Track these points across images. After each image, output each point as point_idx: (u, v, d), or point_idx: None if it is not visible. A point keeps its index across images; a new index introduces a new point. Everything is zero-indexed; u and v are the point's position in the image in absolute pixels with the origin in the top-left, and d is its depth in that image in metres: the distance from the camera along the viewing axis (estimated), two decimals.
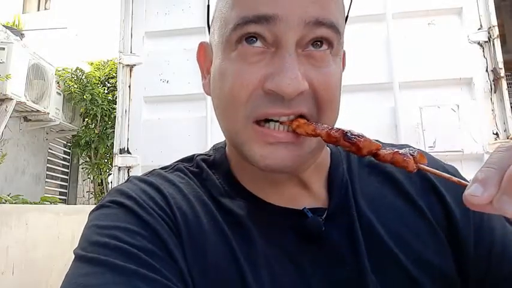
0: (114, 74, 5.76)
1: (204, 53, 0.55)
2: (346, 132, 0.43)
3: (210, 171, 0.53)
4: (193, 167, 0.55)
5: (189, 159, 0.57)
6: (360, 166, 0.55)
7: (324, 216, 0.48)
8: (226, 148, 0.56)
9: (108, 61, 5.99)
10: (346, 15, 0.51)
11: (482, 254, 0.50)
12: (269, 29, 0.42)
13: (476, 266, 0.50)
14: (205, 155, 0.57)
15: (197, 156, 0.57)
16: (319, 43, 0.44)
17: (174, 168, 0.55)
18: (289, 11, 0.41)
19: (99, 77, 5.75)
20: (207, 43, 0.54)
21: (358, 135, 0.43)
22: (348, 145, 0.43)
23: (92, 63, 5.97)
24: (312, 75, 0.43)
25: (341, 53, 0.49)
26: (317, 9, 0.42)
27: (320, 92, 0.44)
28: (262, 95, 0.43)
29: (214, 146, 0.59)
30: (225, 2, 0.47)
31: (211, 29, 0.53)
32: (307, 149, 0.45)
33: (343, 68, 0.56)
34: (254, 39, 0.43)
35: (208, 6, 0.60)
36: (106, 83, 5.89)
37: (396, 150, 0.41)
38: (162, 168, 0.55)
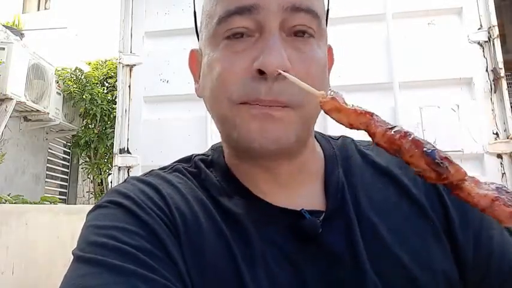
0: (112, 74, 5.76)
1: (195, 59, 0.56)
2: (432, 151, 0.30)
3: (208, 170, 0.53)
4: (192, 168, 0.55)
5: (187, 160, 0.57)
6: (362, 166, 0.55)
7: (322, 217, 0.48)
8: (223, 147, 0.56)
9: (106, 61, 5.99)
10: (327, 3, 0.53)
11: (481, 261, 0.50)
12: (251, 18, 0.44)
13: (473, 271, 0.50)
14: (203, 155, 0.57)
15: (195, 156, 0.57)
16: (301, 33, 0.46)
17: (172, 168, 0.55)
18: (267, 0, 0.44)
19: (97, 77, 5.75)
20: (197, 50, 0.56)
21: (447, 158, 0.30)
22: (425, 168, 0.31)
23: (89, 63, 5.97)
24: (295, 58, 0.44)
25: (325, 36, 0.50)
26: None
27: (304, 75, 0.44)
28: (250, 80, 0.44)
29: (212, 146, 0.59)
30: (209, 0, 0.49)
31: (200, 35, 0.54)
32: (292, 124, 0.45)
33: (331, 64, 0.56)
34: (239, 35, 0.45)
35: (194, 12, 0.61)
36: (104, 82, 5.89)
37: (496, 196, 0.30)
38: (160, 169, 0.55)
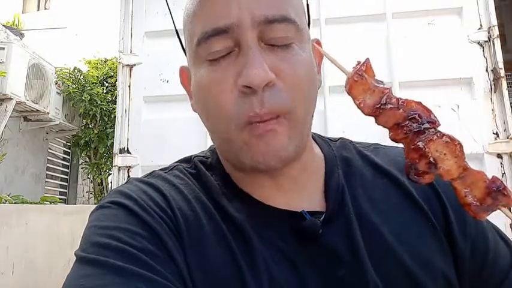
0: (112, 74, 5.75)
1: (186, 76, 0.56)
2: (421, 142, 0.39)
3: (207, 173, 0.53)
4: (192, 169, 0.55)
5: (187, 160, 0.57)
6: (362, 167, 0.55)
7: (322, 218, 0.48)
8: (218, 154, 0.55)
9: (106, 60, 5.98)
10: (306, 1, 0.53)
11: (477, 262, 0.51)
12: (229, 36, 0.44)
13: (470, 273, 0.51)
14: (202, 156, 0.57)
15: (194, 157, 0.57)
16: (279, 39, 0.45)
17: (173, 169, 0.55)
18: (241, 17, 0.44)
19: (97, 77, 5.74)
20: (186, 67, 0.55)
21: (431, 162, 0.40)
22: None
23: (89, 62, 5.95)
24: (279, 66, 0.44)
25: (306, 36, 0.49)
26: (264, 8, 0.44)
27: (290, 81, 0.44)
28: (239, 98, 0.44)
29: (211, 147, 0.59)
30: (187, 17, 0.50)
31: (186, 51, 0.54)
32: (290, 137, 0.45)
33: (321, 58, 0.56)
34: (221, 56, 0.45)
35: (177, 31, 0.60)
36: (104, 82, 5.87)
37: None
38: (161, 170, 0.55)
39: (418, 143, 0.39)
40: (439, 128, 0.40)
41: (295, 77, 0.45)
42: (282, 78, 0.44)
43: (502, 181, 0.38)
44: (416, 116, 0.40)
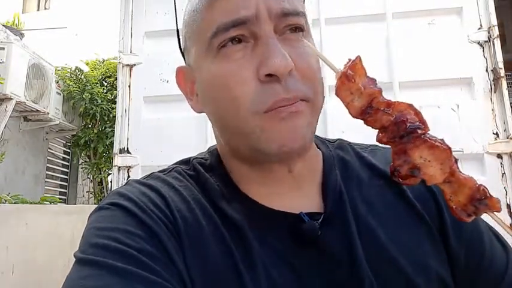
0: (110, 74, 5.75)
1: (183, 76, 0.55)
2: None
3: (206, 174, 0.53)
4: (190, 170, 0.54)
5: (186, 162, 0.57)
6: (359, 168, 0.55)
7: (320, 220, 0.48)
8: (220, 153, 0.55)
9: (103, 60, 5.97)
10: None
11: (473, 265, 0.51)
12: (246, 28, 0.45)
13: (465, 274, 0.51)
14: (201, 158, 0.57)
15: (193, 159, 0.57)
16: (293, 29, 0.47)
17: (172, 171, 0.55)
18: (260, 9, 0.45)
19: (96, 77, 5.73)
20: (184, 67, 0.55)
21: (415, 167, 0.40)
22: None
23: (88, 63, 5.95)
24: (294, 56, 0.45)
25: (310, 32, 0.51)
26: (279, 1, 0.46)
27: (305, 71, 0.45)
28: (260, 87, 0.44)
29: (209, 148, 0.59)
30: (195, 12, 0.49)
31: (186, 53, 0.54)
32: (307, 119, 0.46)
33: None
34: (236, 40, 0.45)
35: (177, 30, 0.59)
36: (103, 82, 5.87)
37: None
38: (160, 171, 0.55)
39: (402, 149, 0.39)
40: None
41: (308, 68, 0.46)
42: (298, 66, 0.45)
43: (487, 190, 0.38)
44: (404, 120, 0.39)
